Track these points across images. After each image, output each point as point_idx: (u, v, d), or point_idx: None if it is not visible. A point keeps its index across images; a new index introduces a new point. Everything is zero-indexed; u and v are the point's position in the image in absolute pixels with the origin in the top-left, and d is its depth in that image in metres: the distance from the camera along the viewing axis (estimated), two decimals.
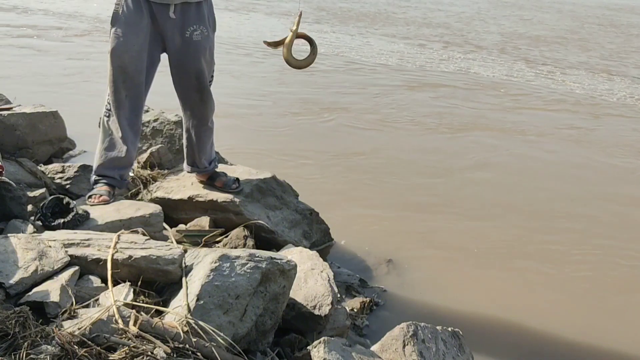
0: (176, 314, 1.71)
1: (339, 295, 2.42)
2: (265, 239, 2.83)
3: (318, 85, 6.98)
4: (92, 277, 1.89)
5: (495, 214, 3.87)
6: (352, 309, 2.61)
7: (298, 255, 2.46)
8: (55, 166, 3.05)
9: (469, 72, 8.44)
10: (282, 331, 2.04)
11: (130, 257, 1.90)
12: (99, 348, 1.47)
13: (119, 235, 2.02)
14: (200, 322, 1.67)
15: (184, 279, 1.89)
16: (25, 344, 1.43)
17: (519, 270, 3.22)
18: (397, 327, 1.95)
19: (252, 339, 1.85)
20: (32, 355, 1.40)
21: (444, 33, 12.09)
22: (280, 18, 12.45)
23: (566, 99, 7.38)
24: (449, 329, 2.08)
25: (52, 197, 2.39)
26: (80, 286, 1.83)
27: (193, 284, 1.82)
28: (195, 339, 1.60)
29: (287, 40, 2.58)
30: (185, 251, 2.08)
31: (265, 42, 2.63)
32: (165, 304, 1.87)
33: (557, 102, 7.21)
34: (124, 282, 1.87)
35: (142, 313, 1.66)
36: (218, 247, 2.67)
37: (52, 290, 1.72)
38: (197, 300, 1.75)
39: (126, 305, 1.72)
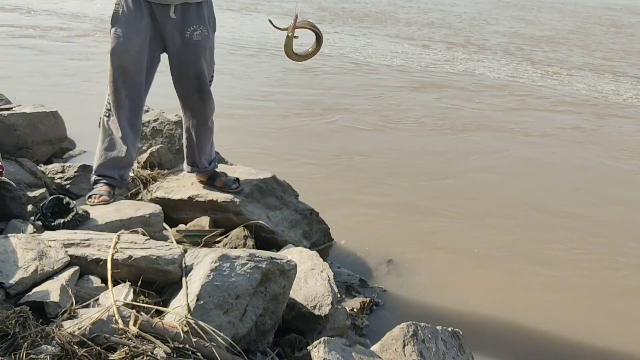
0: (176, 314, 1.71)
1: (339, 295, 2.41)
2: (265, 239, 2.83)
3: (321, 86, 6.96)
4: (92, 277, 1.89)
5: (496, 215, 3.86)
6: (352, 309, 2.61)
7: (298, 255, 2.46)
8: (55, 166, 3.05)
9: (474, 73, 8.40)
10: (282, 331, 2.04)
11: (130, 257, 1.90)
12: (99, 348, 1.47)
13: (119, 235, 2.02)
14: (200, 322, 1.67)
15: (184, 279, 1.89)
16: (25, 344, 1.43)
17: (519, 270, 3.22)
18: (397, 327, 1.95)
19: (252, 339, 1.85)
20: (32, 355, 1.40)
21: (447, 34, 12.07)
22: (283, 18, 12.44)
23: (573, 100, 7.33)
24: (449, 329, 2.08)
25: (52, 197, 2.39)
26: (80, 286, 1.83)
27: (193, 284, 1.82)
28: (195, 339, 1.60)
29: (285, 42, 2.57)
30: (185, 251, 2.08)
31: (270, 21, 2.58)
32: (165, 304, 1.87)
33: (563, 103, 7.16)
34: (124, 282, 1.87)
35: (142, 313, 1.66)
36: (218, 247, 2.67)
37: (52, 290, 1.72)
38: (197, 300, 1.75)
39: (126, 305, 1.72)
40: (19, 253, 1.83)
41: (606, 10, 20.56)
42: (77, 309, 1.70)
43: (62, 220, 2.26)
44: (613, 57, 10.93)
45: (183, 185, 3.00)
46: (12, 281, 1.72)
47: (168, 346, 1.55)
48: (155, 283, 1.95)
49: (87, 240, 2.00)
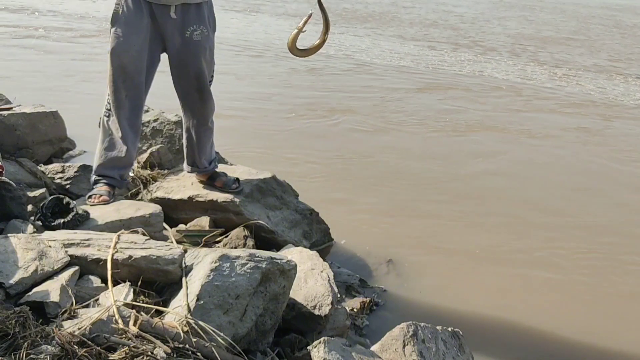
0: (176, 314, 1.71)
1: (339, 295, 2.41)
2: (265, 239, 2.83)
3: (326, 87, 6.93)
4: (92, 277, 1.89)
5: (498, 216, 3.85)
6: (352, 309, 2.61)
7: (298, 255, 2.46)
8: (55, 166, 3.05)
9: (482, 75, 8.33)
10: (282, 331, 2.04)
11: (130, 257, 1.90)
12: (99, 348, 1.47)
13: (119, 235, 2.02)
14: (200, 322, 1.67)
15: (184, 279, 1.89)
16: (25, 344, 1.43)
17: (520, 270, 3.21)
18: (397, 327, 1.95)
19: (252, 339, 1.85)
20: (32, 355, 1.40)
21: (450, 34, 12.01)
22: (287, 19, 12.42)
23: (581, 102, 7.27)
24: (449, 329, 2.08)
25: (52, 197, 2.39)
26: (80, 286, 1.83)
27: (193, 284, 1.82)
28: (195, 339, 1.60)
29: (292, 35, 2.55)
30: (185, 251, 2.08)
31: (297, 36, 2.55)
32: (165, 304, 1.87)
33: (572, 104, 7.10)
34: (124, 282, 1.87)
35: (142, 313, 1.66)
36: (218, 247, 2.67)
37: (52, 290, 1.72)
38: (197, 300, 1.75)
39: (126, 305, 1.72)
40: (19, 253, 1.83)
41: (606, 10, 20.52)
42: (77, 309, 1.70)
43: (62, 220, 2.26)
44: (619, 58, 10.85)
45: (183, 185, 3.00)
46: (12, 281, 1.72)
47: (168, 346, 1.55)
48: (155, 283, 1.95)
49: (87, 240, 2.00)
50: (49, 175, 2.94)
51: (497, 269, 3.21)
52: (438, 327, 2.04)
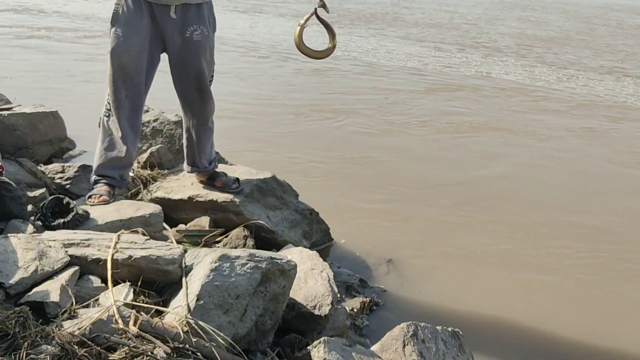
0: (176, 314, 1.71)
1: (339, 295, 2.41)
2: (265, 239, 2.83)
3: (331, 89, 6.91)
4: (92, 277, 1.89)
5: (499, 216, 3.84)
6: (352, 309, 2.61)
7: (298, 255, 2.46)
8: (55, 166, 3.05)
9: (490, 76, 8.28)
10: (282, 331, 2.04)
11: (130, 257, 1.90)
12: (99, 348, 1.47)
13: (119, 235, 2.02)
14: (200, 322, 1.67)
15: (184, 279, 1.89)
16: (25, 344, 1.43)
17: (520, 271, 3.21)
18: (397, 327, 1.95)
19: (252, 339, 1.85)
20: (32, 355, 1.40)
21: (455, 35, 11.98)
22: (292, 19, 12.39)
23: (591, 103, 7.22)
24: (449, 329, 2.08)
25: (52, 197, 2.39)
26: (80, 286, 1.83)
27: (193, 284, 1.82)
28: (195, 339, 1.60)
29: (297, 32, 2.56)
30: (185, 251, 2.08)
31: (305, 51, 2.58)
32: (165, 304, 1.87)
33: (581, 106, 7.05)
34: (124, 282, 1.87)
35: (142, 313, 1.66)
36: (218, 247, 2.67)
37: (52, 290, 1.72)
38: (197, 300, 1.75)
39: (126, 305, 1.72)
40: (19, 253, 1.83)
41: (608, 11, 20.50)
42: (77, 309, 1.70)
43: (62, 220, 2.26)
44: (624, 59, 10.78)
45: (183, 185, 3.00)
46: (12, 281, 1.72)
47: (168, 346, 1.55)
48: (155, 283, 1.95)
49: (87, 240, 2.00)
50: (49, 175, 2.94)
51: (497, 269, 3.21)
52: (438, 327, 2.04)
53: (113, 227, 2.29)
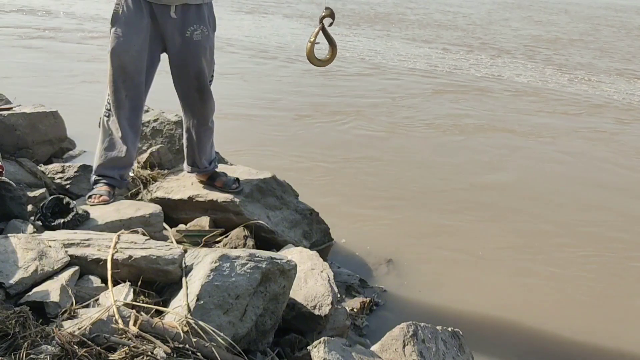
0: (176, 314, 1.71)
1: (339, 295, 2.41)
2: (265, 239, 2.83)
3: (338, 90, 6.87)
4: (92, 277, 1.89)
5: (500, 217, 3.84)
6: (352, 309, 2.61)
7: (298, 255, 2.46)
8: (55, 166, 3.05)
9: (501, 78, 8.20)
10: (282, 331, 2.04)
11: (130, 257, 1.90)
12: (99, 348, 1.47)
13: (119, 235, 2.02)
14: (200, 322, 1.67)
15: (184, 279, 1.89)
16: (25, 344, 1.43)
17: (521, 271, 3.21)
18: (397, 327, 1.95)
19: (252, 339, 1.85)
20: (32, 355, 1.40)
21: (461, 36, 11.87)
22: (298, 20, 12.36)
23: (604, 105, 7.15)
24: (449, 329, 2.08)
25: (52, 197, 2.39)
26: (80, 286, 1.83)
27: (193, 284, 1.82)
28: (195, 339, 1.60)
29: (308, 48, 2.58)
30: (185, 251, 2.08)
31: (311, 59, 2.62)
32: (165, 304, 1.87)
33: (591, 107, 6.99)
34: (124, 282, 1.87)
35: (142, 313, 1.66)
36: (218, 247, 2.67)
37: (52, 290, 1.72)
38: (197, 300, 1.75)
39: (126, 305, 1.72)
40: (19, 253, 1.83)
41: (610, 11, 20.40)
42: (77, 309, 1.70)
43: (62, 220, 2.26)
44: (633, 60, 10.66)
45: (183, 185, 3.00)
46: (12, 281, 1.72)
47: (168, 346, 1.55)
48: (155, 283, 1.95)
49: (87, 240, 2.00)
50: (49, 175, 2.94)
51: (498, 269, 3.21)
52: (438, 327, 2.04)
53: (113, 227, 2.29)
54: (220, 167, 3.09)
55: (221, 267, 1.83)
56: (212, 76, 2.79)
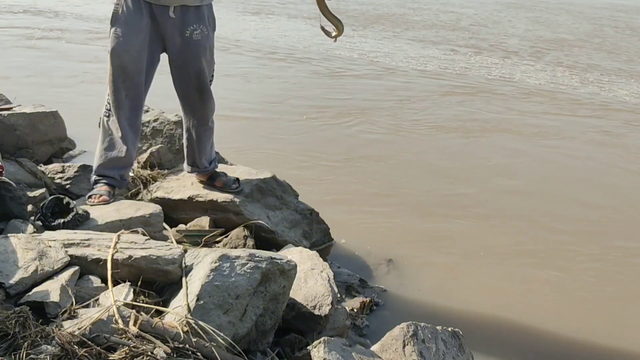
0: (176, 314, 1.71)
1: (339, 295, 2.41)
2: (265, 239, 2.84)
3: (348, 92, 6.83)
4: (92, 277, 1.89)
5: (501, 217, 3.82)
6: (352, 309, 2.61)
7: (298, 255, 2.46)
8: (55, 166, 3.05)
9: (512, 80, 8.10)
10: (282, 331, 2.04)
11: (130, 257, 1.90)
12: (99, 348, 1.47)
13: (119, 235, 2.02)
14: (200, 322, 1.67)
15: (184, 279, 1.89)
16: (25, 344, 1.43)
17: (520, 271, 3.21)
18: (397, 327, 1.95)
19: (252, 339, 1.85)
20: (32, 355, 1.40)
21: (468, 37, 11.77)
22: (304, 21, 12.33)
23: (618, 107, 7.09)
24: (449, 329, 2.08)
25: (52, 197, 2.39)
26: (80, 286, 1.83)
27: (193, 284, 1.82)
28: (195, 339, 1.60)
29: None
30: (185, 251, 2.08)
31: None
32: (165, 304, 1.87)
33: (603, 109, 6.92)
34: (124, 282, 1.87)
35: (142, 313, 1.66)
36: (218, 247, 2.67)
37: (52, 290, 1.72)
38: (197, 300, 1.75)
39: (126, 305, 1.72)
40: (19, 253, 1.83)
41: (612, 12, 20.30)
42: (77, 309, 1.70)
43: (62, 220, 2.26)
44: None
45: (183, 185, 3.00)
46: (12, 281, 1.72)
47: (168, 346, 1.55)
48: (155, 283, 1.95)
49: (87, 240, 2.00)
50: (49, 175, 2.94)
51: (498, 269, 3.21)
52: (438, 327, 2.04)
53: (113, 227, 2.29)
54: (220, 167, 3.09)
55: (221, 267, 1.83)
56: (212, 76, 2.79)
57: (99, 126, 2.76)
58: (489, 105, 6.69)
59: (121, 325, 1.57)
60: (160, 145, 3.41)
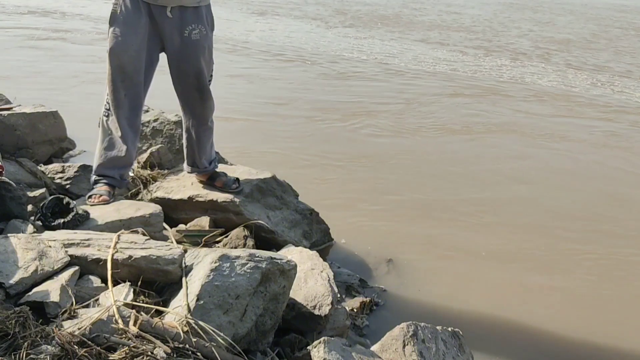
0: (176, 314, 1.71)
1: (339, 295, 2.41)
2: (265, 239, 2.83)
3: (356, 93, 6.82)
4: (92, 277, 1.89)
5: (501, 218, 3.82)
6: (352, 309, 2.61)
7: (298, 255, 2.46)
8: (55, 166, 3.05)
9: (524, 82, 8.05)
10: (282, 331, 2.04)
11: (130, 257, 1.90)
12: (99, 348, 1.47)
13: (119, 235, 2.02)
14: (200, 322, 1.67)
15: (184, 279, 1.89)
16: (25, 344, 1.43)
17: (523, 271, 3.21)
18: (397, 327, 1.95)
19: (252, 339, 1.85)
20: (32, 355, 1.40)
21: (473, 38, 11.69)
22: (310, 22, 12.30)
23: (632, 109, 7.06)
24: (449, 329, 2.08)
25: (52, 197, 2.39)
26: (80, 286, 1.83)
27: (193, 284, 1.82)
28: (195, 339, 1.60)
29: None
30: (185, 251, 2.08)
31: None
32: (165, 304, 1.87)
33: (614, 111, 6.90)
34: (124, 282, 1.87)
35: (142, 313, 1.66)
36: (218, 247, 2.67)
37: (52, 290, 1.72)
38: (197, 300, 1.75)
39: (126, 305, 1.72)
40: (19, 253, 1.83)
41: (614, 12, 20.25)
42: (77, 309, 1.70)
43: (62, 220, 2.26)
44: None
45: (183, 185, 3.00)
46: (12, 281, 1.72)
47: (168, 346, 1.55)
48: (155, 283, 1.95)
49: (87, 240, 2.00)
50: (49, 175, 2.94)
51: (498, 269, 3.21)
52: (438, 327, 2.04)
53: (113, 227, 2.29)
54: (220, 167, 3.09)
55: (221, 267, 1.83)
56: (211, 75, 2.79)
57: (99, 126, 2.76)
58: (498, 107, 6.65)
59: (121, 325, 1.57)
60: (160, 145, 3.41)
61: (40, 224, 2.28)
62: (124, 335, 1.55)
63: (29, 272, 1.76)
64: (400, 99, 6.69)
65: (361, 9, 15.18)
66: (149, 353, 1.49)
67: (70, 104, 5.01)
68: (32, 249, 1.85)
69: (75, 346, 1.45)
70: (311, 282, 2.26)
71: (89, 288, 1.84)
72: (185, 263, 1.97)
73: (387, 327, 2.10)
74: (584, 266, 3.32)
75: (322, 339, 1.77)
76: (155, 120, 3.62)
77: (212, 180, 2.96)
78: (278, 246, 2.80)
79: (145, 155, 3.29)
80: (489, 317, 2.79)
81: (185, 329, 1.64)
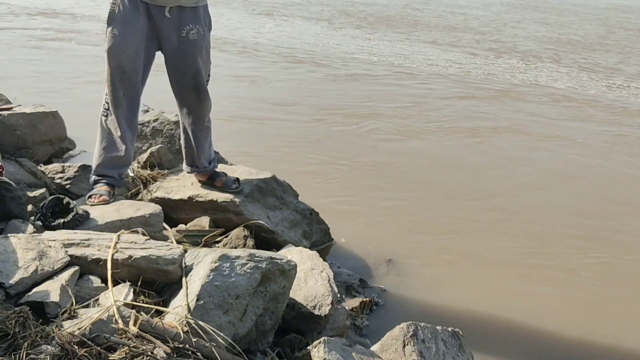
0: (176, 314, 1.71)
1: (339, 295, 2.42)
2: (265, 239, 2.84)
3: (365, 95, 6.78)
4: (92, 277, 1.89)
5: (502, 218, 3.81)
6: (352, 309, 2.61)
7: (298, 255, 2.46)
8: (55, 166, 3.06)
9: (539, 84, 7.95)
10: (282, 331, 2.05)
11: (130, 257, 1.90)
12: (99, 348, 1.47)
13: (119, 235, 2.02)
14: (200, 322, 1.67)
15: (184, 279, 1.89)
16: (25, 344, 1.43)
17: (521, 271, 3.21)
18: (397, 327, 1.95)
19: (252, 339, 1.85)
20: (32, 355, 1.40)
21: (482, 39, 11.51)
22: (317, 23, 12.26)
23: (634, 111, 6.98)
24: (449, 329, 2.08)
25: (52, 197, 2.39)
26: (80, 286, 1.84)
27: (193, 284, 1.82)
28: (195, 339, 1.60)
29: None
30: (185, 251, 2.08)
31: None
32: (165, 304, 1.87)
33: (626, 114, 6.81)
34: (124, 282, 1.87)
35: (142, 313, 1.66)
36: (218, 247, 2.67)
37: (52, 290, 1.72)
38: (197, 300, 1.75)
39: (126, 305, 1.72)
40: (19, 253, 1.83)
41: (616, 12, 20.17)
42: (77, 309, 1.70)
43: (62, 220, 2.26)
44: None
45: (183, 185, 3.00)
46: (12, 281, 1.72)
47: (168, 346, 1.55)
48: (155, 283, 1.96)
49: (87, 240, 2.00)
50: (49, 175, 2.94)
51: (498, 269, 3.21)
52: (438, 327, 2.04)
53: (113, 227, 2.29)
54: (220, 167, 3.09)
55: (221, 267, 1.83)
56: (209, 75, 2.79)
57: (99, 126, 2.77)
58: (506, 108, 6.60)
59: (121, 325, 1.57)
60: (160, 145, 3.41)
61: (40, 224, 2.28)
62: (124, 335, 1.55)
63: (29, 272, 1.76)
64: (410, 102, 6.63)
65: (365, 10, 15.14)
66: (149, 353, 1.49)
67: (70, 104, 5.01)
68: (32, 249, 1.85)
69: (75, 346, 1.45)
70: (311, 282, 2.27)
71: (89, 288, 1.84)
72: (185, 263, 1.97)
73: (387, 327, 2.10)
74: (583, 265, 3.31)
75: (322, 339, 1.77)
76: (155, 120, 3.62)
77: (212, 180, 2.96)
78: (278, 246, 2.80)
79: (145, 155, 3.29)
80: (489, 317, 2.79)
81: (185, 329, 1.65)
